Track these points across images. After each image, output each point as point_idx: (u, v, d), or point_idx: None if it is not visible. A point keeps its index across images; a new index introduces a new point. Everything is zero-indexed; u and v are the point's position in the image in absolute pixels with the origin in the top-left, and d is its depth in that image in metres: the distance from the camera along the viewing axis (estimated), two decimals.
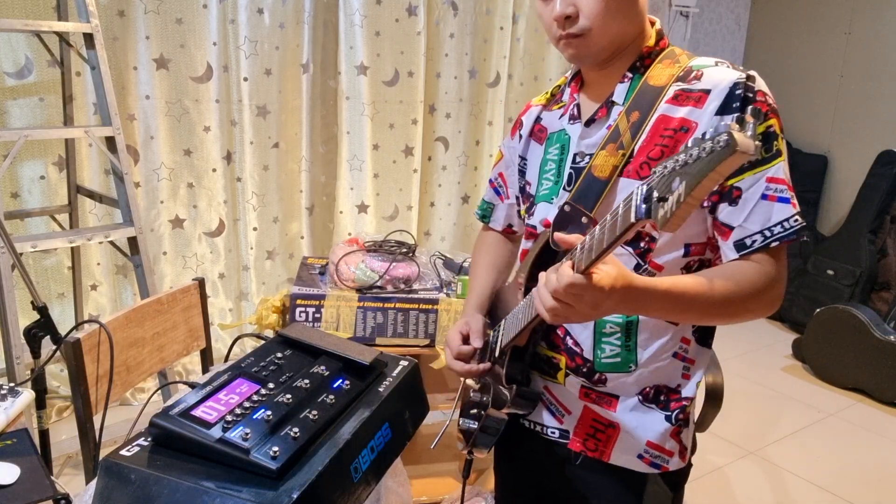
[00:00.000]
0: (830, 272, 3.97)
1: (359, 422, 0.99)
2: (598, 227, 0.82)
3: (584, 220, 1.02)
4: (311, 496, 0.84)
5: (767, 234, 0.96)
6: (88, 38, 2.20)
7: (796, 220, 0.96)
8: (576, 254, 0.86)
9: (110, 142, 2.26)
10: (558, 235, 0.92)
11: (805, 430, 3.06)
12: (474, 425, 1.20)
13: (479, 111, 3.53)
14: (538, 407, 1.18)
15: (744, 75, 0.97)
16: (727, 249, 0.99)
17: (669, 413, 1.10)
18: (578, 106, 1.12)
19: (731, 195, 0.97)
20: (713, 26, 4.52)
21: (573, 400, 1.14)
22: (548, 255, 1.09)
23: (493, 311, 1.28)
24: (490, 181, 1.36)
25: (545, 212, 1.14)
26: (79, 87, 2.55)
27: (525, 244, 1.20)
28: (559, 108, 1.17)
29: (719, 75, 0.98)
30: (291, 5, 2.90)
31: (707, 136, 0.65)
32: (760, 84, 0.98)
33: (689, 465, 1.17)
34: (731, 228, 0.98)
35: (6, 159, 2.04)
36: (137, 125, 2.72)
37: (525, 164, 1.22)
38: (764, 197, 0.96)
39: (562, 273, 0.86)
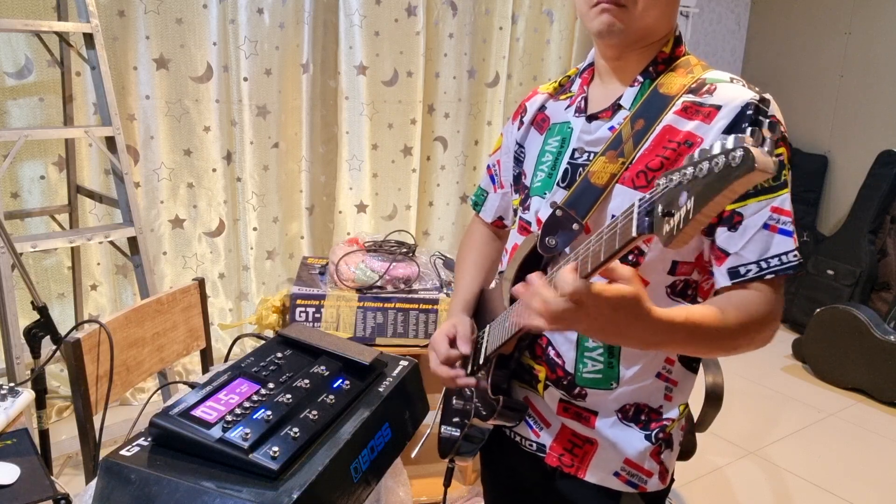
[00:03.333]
0: (830, 272, 3.97)
1: (359, 422, 0.99)
2: (594, 237, 0.79)
3: (574, 226, 0.99)
4: (311, 496, 0.84)
5: (763, 265, 0.93)
6: (88, 38, 2.20)
7: (795, 256, 0.93)
8: (580, 255, 0.80)
9: (110, 142, 2.26)
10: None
11: (805, 430, 3.06)
12: (457, 433, 1.17)
13: (478, 111, 3.53)
14: None
15: (758, 97, 0.93)
16: (720, 275, 0.96)
17: (649, 432, 1.07)
18: (586, 99, 1.09)
19: (731, 220, 0.94)
20: (713, 26, 4.52)
21: (551, 414, 1.11)
22: (536, 260, 1.07)
23: (477, 314, 1.25)
24: (488, 167, 1.32)
25: (539, 206, 1.11)
26: (79, 87, 2.55)
27: (517, 238, 1.16)
28: (567, 97, 1.14)
29: (733, 93, 0.95)
30: (291, 5, 2.90)
31: (716, 150, 0.62)
32: (774, 108, 0.94)
33: (670, 485, 1.14)
34: (727, 255, 0.95)
35: (6, 159, 2.04)
36: (137, 125, 2.72)
37: (522, 152, 1.19)
38: (766, 227, 0.92)
39: (563, 278, 0.78)
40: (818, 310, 3.57)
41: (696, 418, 2.00)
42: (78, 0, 2.19)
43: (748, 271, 0.94)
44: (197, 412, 0.91)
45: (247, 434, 0.87)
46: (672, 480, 1.14)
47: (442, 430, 1.25)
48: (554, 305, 0.80)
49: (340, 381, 1.06)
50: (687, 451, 1.95)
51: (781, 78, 4.52)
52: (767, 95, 0.95)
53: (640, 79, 1.02)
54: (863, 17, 4.12)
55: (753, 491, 2.59)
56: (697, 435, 1.98)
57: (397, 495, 1.15)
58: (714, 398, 1.96)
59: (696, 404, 2.00)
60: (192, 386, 0.99)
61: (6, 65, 2.44)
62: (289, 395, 0.97)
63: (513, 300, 1.06)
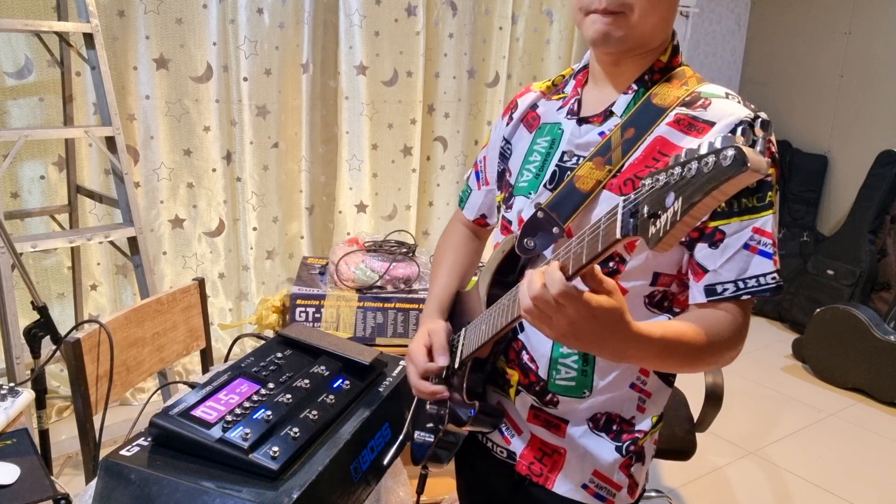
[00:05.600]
0: (830, 272, 3.97)
1: (359, 422, 0.99)
2: (574, 239, 0.77)
3: (555, 230, 0.98)
4: (311, 496, 0.84)
5: (741, 285, 0.92)
6: (88, 38, 2.20)
7: (773, 278, 0.92)
8: (560, 256, 0.79)
9: (110, 142, 2.26)
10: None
11: (805, 430, 3.06)
12: (430, 439, 1.14)
13: (478, 111, 3.53)
14: None
15: (752, 115, 0.92)
16: (696, 291, 0.95)
17: (620, 444, 1.05)
18: (580, 101, 1.07)
19: (712, 237, 0.93)
20: (713, 26, 4.52)
21: (522, 421, 1.10)
22: (513, 262, 1.05)
23: (453, 316, 1.22)
24: (476, 162, 1.30)
25: (522, 206, 1.09)
26: (79, 87, 2.55)
27: (499, 237, 1.14)
28: (559, 98, 1.12)
29: (728, 109, 0.93)
30: (291, 5, 2.90)
31: (705, 149, 0.60)
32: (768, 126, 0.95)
33: (639, 499, 1.12)
34: (706, 271, 0.94)
35: (6, 159, 2.04)
36: (137, 125, 2.72)
37: (509, 149, 1.17)
38: (746, 247, 0.92)
39: (552, 276, 0.77)
40: (818, 310, 3.57)
41: (696, 418, 2.00)
42: (78, 0, 2.19)
43: (725, 290, 0.93)
44: (197, 412, 0.91)
45: (247, 434, 0.87)
46: (642, 494, 1.13)
47: (415, 435, 1.21)
48: (541, 302, 0.79)
49: (340, 381, 1.06)
50: (687, 451, 1.95)
51: (781, 78, 4.52)
52: (762, 114, 0.93)
53: (635, 87, 1.01)
54: (863, 17, 4.12)
55: (753, 491, 2.59)
56: (697, 435, 1.98)
57: (397, 495, 1.15)
58: (714, 398, 1.96)
59: (696, 404, 2.00)
60: (192, 386, 0.99)
61: (6, 65, 2.44)
62: (289, 395, 0.97)
63: (490, 302, 1.04)
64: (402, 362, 1.19)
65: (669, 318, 1.00)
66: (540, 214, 1.00)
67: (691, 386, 2.05)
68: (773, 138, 0.94)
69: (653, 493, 2.49)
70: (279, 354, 1.10)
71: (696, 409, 2.01)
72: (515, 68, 3.58)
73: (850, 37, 4.17)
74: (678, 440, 1.93)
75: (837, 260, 3.96)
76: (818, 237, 4.26)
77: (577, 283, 0.79)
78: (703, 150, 0.60)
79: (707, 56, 4.54)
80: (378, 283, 1.98)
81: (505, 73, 3.51)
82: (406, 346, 1.95)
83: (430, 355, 1.12)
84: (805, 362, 3.68)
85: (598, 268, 0.79)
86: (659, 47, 1.01)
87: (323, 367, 1.07)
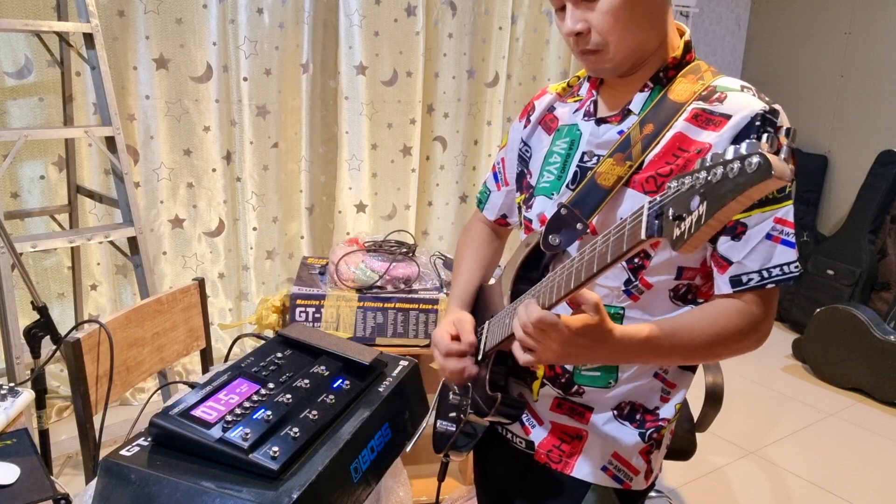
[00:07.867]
0: (830, 272, 3.97)
1: (359, 422, 0.99)
2: (600, 238, 0.79)
3: (579, 225, 1.00)
4: (311, 496, 0.84)
5: (765, 274, 0.94)
6: (88, 38, 2.20)
7: (796, 266, 0.95)
8: (594, 252, 0.82)
9: (110, 142, 2.26)
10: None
11: (805, 430, 3.06)
12: (452, 428, 1.17)
13: (478, 111, 3.53)
14: None
15: (767, 107, 0.94)
16: (721, 283, 0.97)
17: (644, 431, 1.08)
18: (595, 103, 1.09)
19: (734, 230, 0.95)
20: (713, 26, 4.52)
21: (545, 411, 1.12)
22: (537, 258, 1.07)
23: (476, 309, 1.24)
24: (493, 164, 1.32)
25: (543, 206, 1.11)
26: (79, 87, 2.55)
27: (522, 237, 1.17)
28: (575, 101, 1.14)
29: (743, 102, 0.95)
30: (291, 5, 2.90)
31: (730, 155, 0.62)
32: (783, 119, 0.94)
33: (650, 488, 1.14)
34: (730, 263, 0.96)
35: (6, 159, 2.04)
36: (137, 125, 2.72)
37: (528, 151, 1.19)
38: (769, 237, 0.94)
39: (530, 308, 0.85)
40: (818, 310, 3.57)
41: (696, 418, 2.00)
42: (78, 0, 2.19)
43: (750, 280, 0.95)
44: (197, 412, 0.91)
45: (247, 434, 0.87)
46: (654, 482, 1.14)
47: (437, 424, 1.25)
48: (521, 333, 0.88)
49: (340, 381, 1.06)
50: (687, 451, 1.95)
51: (781, 78, 4.52)
52: (777, 106, 0.95)
53: (651, 84, 1.02)
54: (863, 17, 4.12)
55: (753, 491, 2.59)
56: (697, 435, 1.98)
57: (397, 495, 1.15)
58: (714, 398, 1.96)
59: (696, 404, 2.00)
60: (192, 386, 0.99)
61: (6, 65, 2.44)
62: (289, 395, 0.97)
63: (513, 297, 1.07)
64: (402, 362, 1.19)
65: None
66: (563, 211, 1.02)
67: (691, 386, 2.05)
68: (787, 126, 0.94)
69: (653, 494, 2.49)
70: (279, 354, 1.10)
71: (696, 409, 2.01)
72: (515, 68, 3.58)
73: (850, 37, 4.17)
74: (678, 440, 1.93)
75: (837, 260, 3.96)
76: (818, 237, 4.26)
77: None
78: (729, 156, 0.62)
79: (707, 56, 4.54)
80: (378, 283, 1.98)
81: (504, 73, 3.51)
82: (406, 346, 1.98)
83: (455, 341, 1.14)
84: (805, 362, 3.68)
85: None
86: (661, 47, 1.02)
87: (323, 367, 1.07)
